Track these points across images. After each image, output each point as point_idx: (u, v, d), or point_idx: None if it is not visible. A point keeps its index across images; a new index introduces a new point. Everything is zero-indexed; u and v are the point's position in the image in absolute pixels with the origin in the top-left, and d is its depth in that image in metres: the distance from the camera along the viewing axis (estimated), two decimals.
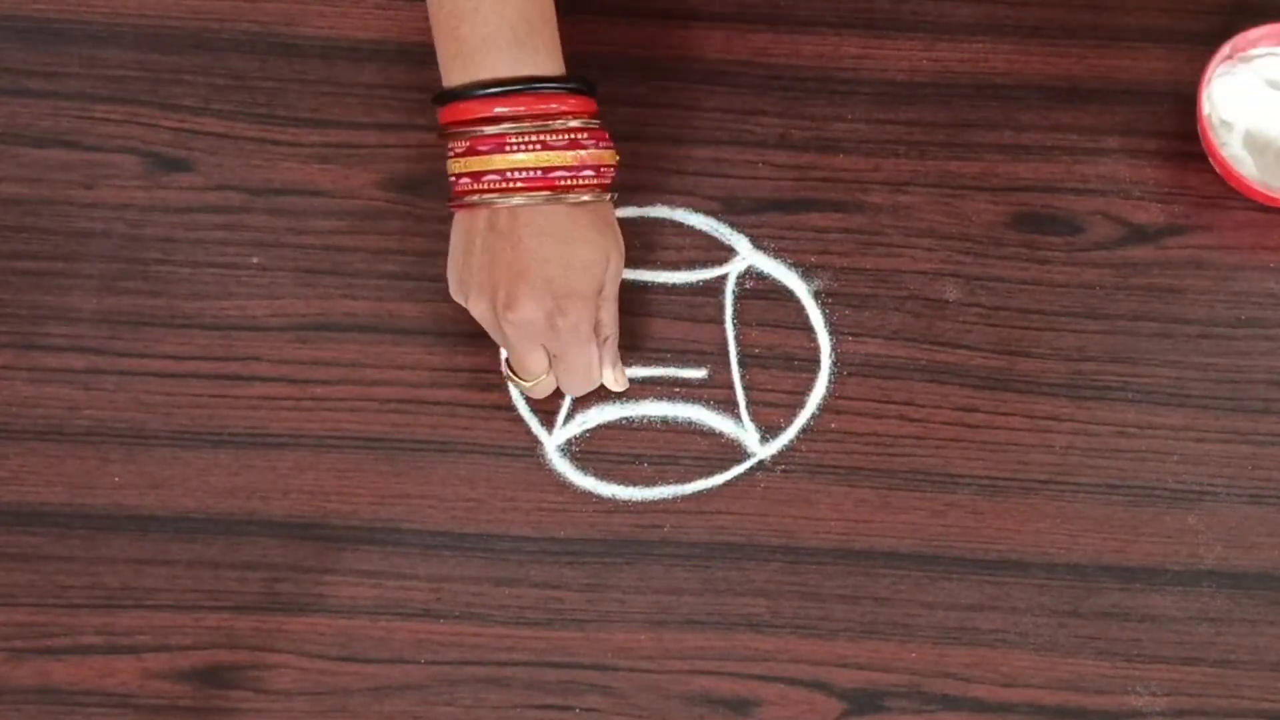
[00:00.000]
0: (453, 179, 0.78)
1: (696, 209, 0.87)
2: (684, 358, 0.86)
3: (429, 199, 0.87)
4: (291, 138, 0.88)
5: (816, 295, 0.86)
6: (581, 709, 0.82)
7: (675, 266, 0.87)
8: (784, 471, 0.84)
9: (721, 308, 0.86)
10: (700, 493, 0.84)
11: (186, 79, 0.89)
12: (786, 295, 0.87)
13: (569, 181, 0.77)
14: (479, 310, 0.79)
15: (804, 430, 0.85)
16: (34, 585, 0.83)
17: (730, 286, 0.87)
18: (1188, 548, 0.83)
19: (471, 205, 0.78)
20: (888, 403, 0.85)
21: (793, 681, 0.82)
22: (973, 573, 0.83)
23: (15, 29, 0.90)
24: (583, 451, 0.85)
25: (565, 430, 0.85)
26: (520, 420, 0.85)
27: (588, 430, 0.85)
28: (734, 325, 0.86)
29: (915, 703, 0.82)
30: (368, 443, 0.84)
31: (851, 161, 0.88)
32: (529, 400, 0.85)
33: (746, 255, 0.87)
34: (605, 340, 0.82)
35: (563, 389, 0.84)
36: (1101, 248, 0.87)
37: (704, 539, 0.83)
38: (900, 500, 0.84)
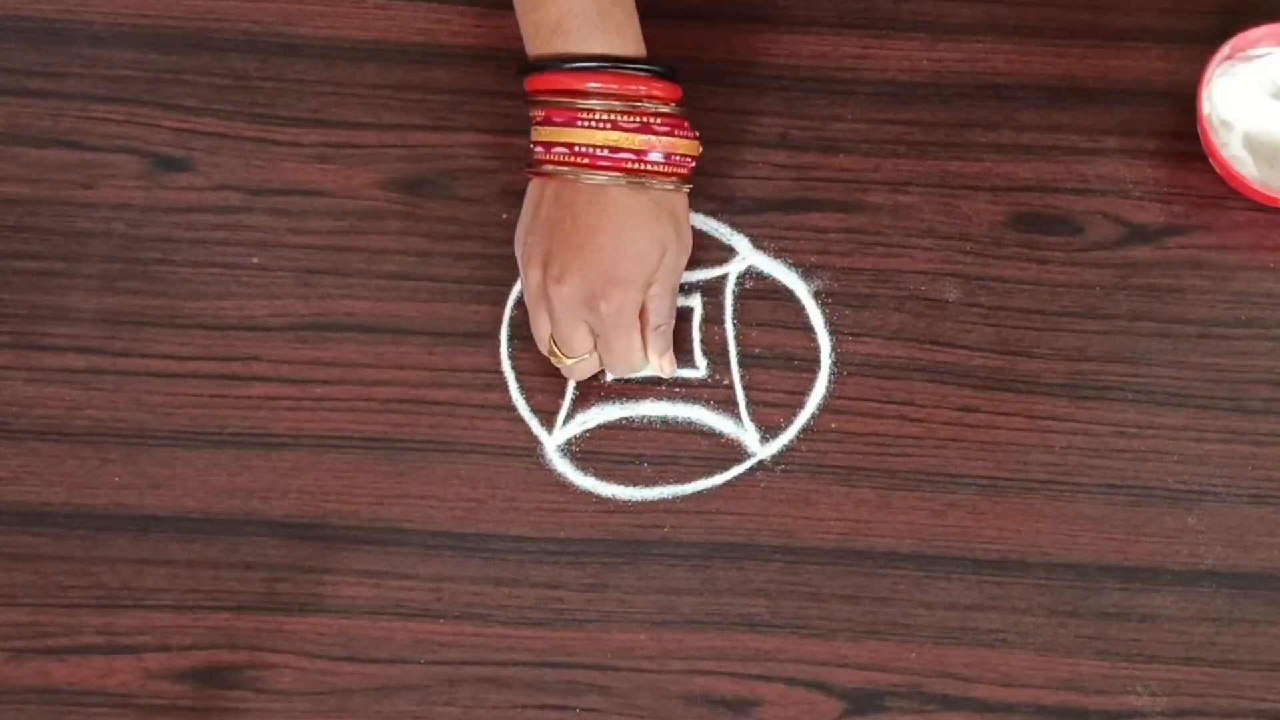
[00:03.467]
0: (531, 146, 0.79)
1: (696, 209, 0.87)
2: (684, 358, 0.86)
3: (429, 199, 0.87)
4: (291, 138, 0.88)
5: (816, 295, 0.86)
6: (581, 709, 0.82)
7: None
8: (784, 471, 0.84)
9: (721, 308, 0.86)
10: (700, 493, 0.84)
11: (186, 79, 0.89)
12: (786, 295, 0.87)
13: (635, 165, 0.77)
14: (532, 278, 0.80)
15: (804, 430, 0.85)
16: (34, 585, 0.83)
17: (730, 286, 0.87)
18: (1188, 548, 0.83)
19: (542, 174, 0.79)
20: (888, 403, 0.85)
21: (793, 681, 0.82)
22: (973, 573, 0.83)
23: (15, 29, 0.90)
24: (583, 451, 0.85)
25: (565, 430, 0.85)
26: (520, 420, 0.85)
27: (588, 430, 0.85)
28: (734, 325, 0.86)
29: (915, 703, 0.82)
30: (368, 443, 0.84)
31: (851, 161, 0.88)
32: (529, 399, 0.85)
33: (746, 255, 0.87)
34: (656, 329, 0.82)
35: (605, 369, 0.84)
36: (1101, 248, 0.87)
37: (704, 539, 0.83)
38: (900, 500, 0.84)
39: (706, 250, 0.87)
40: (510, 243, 0.83)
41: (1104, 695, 0.82)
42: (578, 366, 0.83)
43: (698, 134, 0.80)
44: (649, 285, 0.80)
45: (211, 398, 0.85)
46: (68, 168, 0.88)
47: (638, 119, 0.77)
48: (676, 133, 0.78)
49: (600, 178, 0.77)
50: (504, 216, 0.87)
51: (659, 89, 0.78)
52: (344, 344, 0.86)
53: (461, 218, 0.87)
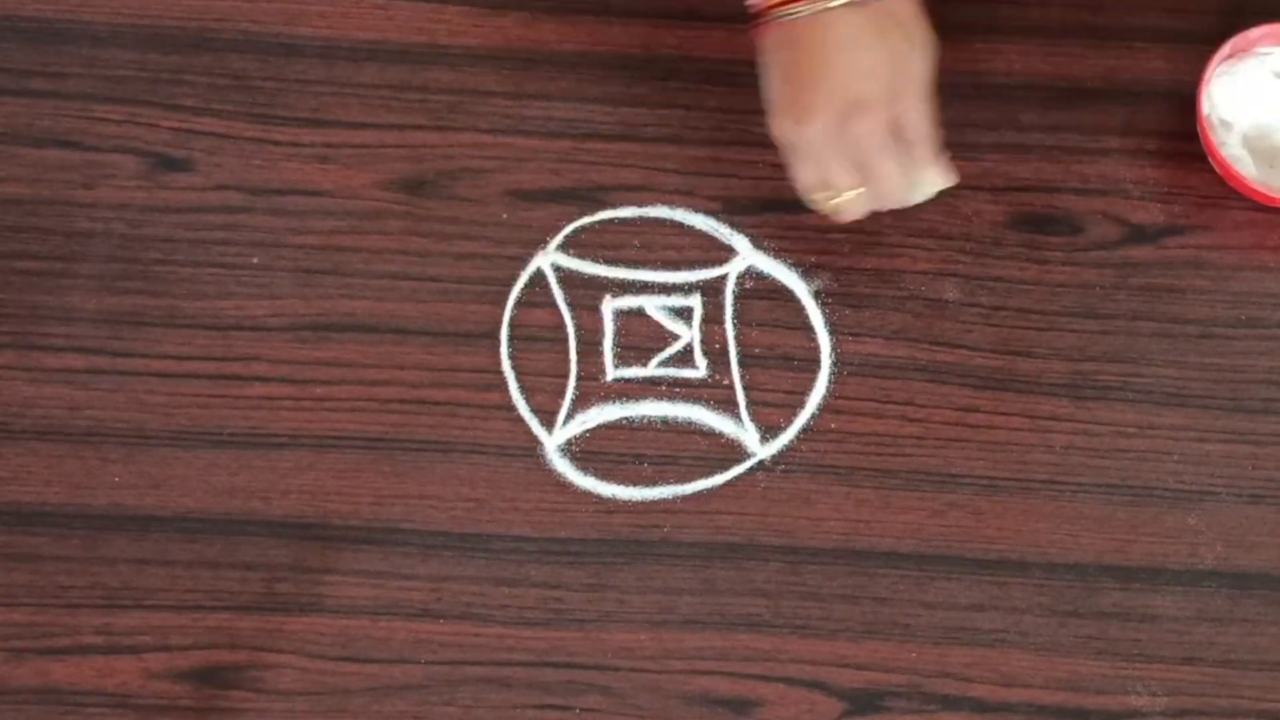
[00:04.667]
0: (749, 4, 0.79)
1: (696, 209, 0.87)
2: (684, 358, 0.86)
3: (429, 199, 0.87)
4: (291, 138, 0.88)
5: (816, 295, 0.86)
6: (581, 709, 0.82)
7: (675, 266, 0.87)
8: (784, 471, 0.84)
9: (721, 308, 0.86)
10: (700, 493, 0.84)
11: (186, 79, 0.89)
12: (786, 295, 0.87)
13: None
14: (781, 130, 0.79)
15: (804, 430, 0.85)
16: (34, 585, 0.83)
17: (730, 286, 0.87)
18: (1188, 548, 0.83)
19: (764, 24, 0.78)
20: (888, 403, 0.85)
21: (793, 681, 0.82)
22: (973, 573, 0.83)
23: (15, 29, 0.90)
24: (583, 451, 0.85)
25: (565, 430, 0.85)
26: (520, 420, 0.85)
27: (588, 430, 0.85)
28: (734, 325, 0.86)
29: (915, 703, 0.82)
30: (368, 443, 0.84)
31: None
32: (529, 399, 0.85)
33: (746, 255, 0.87)
34: (916, 142, 0.80)
35: (880, 202, 0.82)
36: (1101, 248, 0.87)
37: (704, 539, 0.83)
38: (900, 500, 0.84)
39: (706, 250, 0.87)
40: (510, 242, 0.84)
41: (1104, 695, 0.82)
42: (848, 205, 0.82)
43: None
44: (896, 101, 0.78)
45: (211, 398, 0.85)
46: (68, 168, 0.88)
47: None
48: None
49: (816, 7, 0.76)
50: (504, 216, 0.87)
51: None
52: (344, 344, 0.86)
53: (461, 218, 0.87)
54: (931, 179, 0.82)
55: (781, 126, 0.79)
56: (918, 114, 0.79)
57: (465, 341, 0.86)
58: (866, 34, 0.77)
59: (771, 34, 0.78)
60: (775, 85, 0.79)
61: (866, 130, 0.78)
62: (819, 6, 0.77)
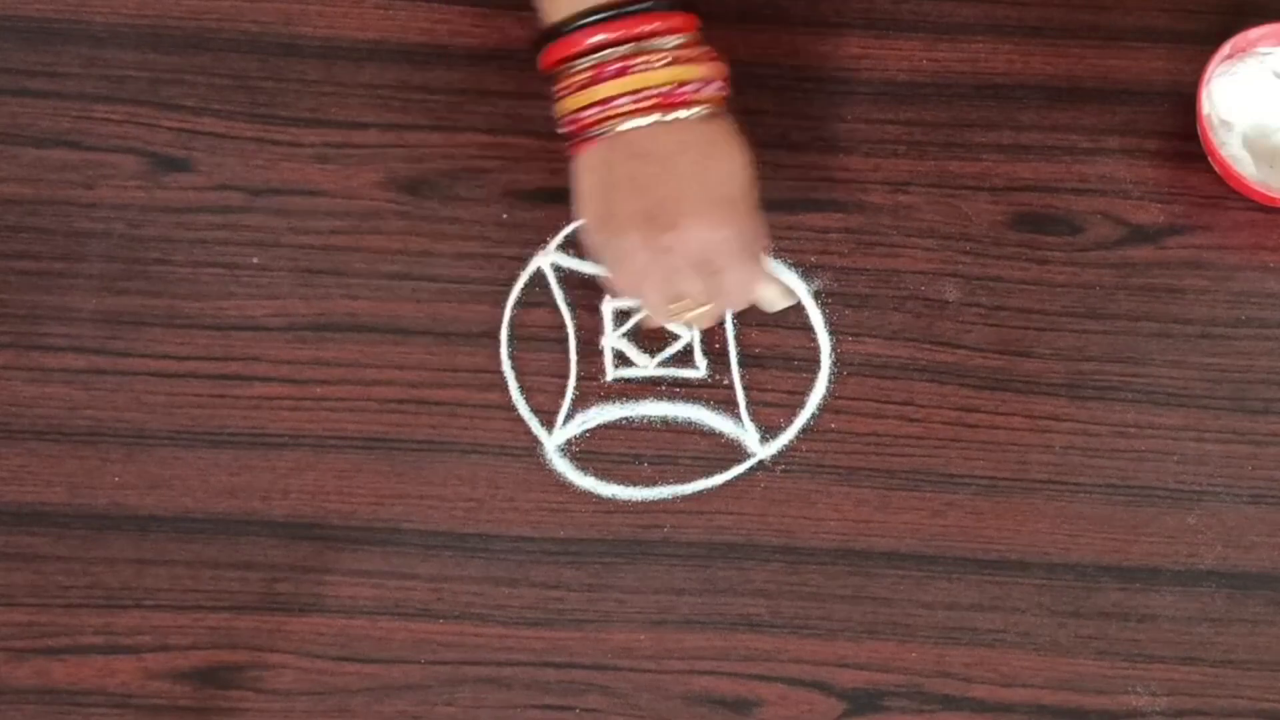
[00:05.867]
0: (567, 119, 0.77)
1: None
2: (684, 358, 0.86)
3: (429, 199, 0.87)
4: (291, 138, 0.88)
5: (816, 295, 0.86)
6: (581, 709, 0.82)
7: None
8: (784, 471, 0.84)
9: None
10: (700, 493, 0.84)
11: (186, 79, 0.89)
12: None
13: (680, 98, 0.75)
14: (631, 242, 0.76)
15: (804, 430, 0.85)
16: (34, 585, 0.83)
17: None
18: (1188, 548, 0.83)
19: (599, 137, 0.76)
20: (888, 403, 0.85)
21: (793, 681, 0.82)
22: (973, 573, 0.83)
23: (15, 29, 0.90)
24: (583, 451, 0.85)
25: (565, 430, 0.85)
26: (520, 420, 0.85)
27: (588, 430, 0.85)
28: (734, 325, 0.86)
29: (915, 703, 0.82)
30: (368, 443, 0.84)
31: (851, 161, 0.88)
32: (529, 399, 0.85)
33: None
34: (732, 266, 0.79)
35: (725, 309, 0.81)
36: (1101, 248, 0.87)
37: (704, 539, 0.83)
38: (900, 500, 0.84)
39: None
40: (510, 242, 0.84)
41: (1104, 695, 0.82)
42: (702, 319, 0.81)
43: (717, 55, 0.78)
44: (704, 219, 0.76)
45: (211, 398, 0.85)
46: (68, 168, 0.88)
47: (665, 56, 0.75)
48: (706, 59, 0.77)
49: (669, 116, 0.75)
50: (504, 216, 0.87)
51: (674, 22, 0.76)
52: (344, 344, 0.86)
53: (461, 218, 0.87)
54: (770, 298, 0.82)
55: (632, 241, 0.76)
56: (734, 236, 0.77)
57: (465, 341, 0.86)
58: (719, 135, 0.76)
59: (615, 145, 0.76)
60: (617, 200, 0.76)
61: (736, 233, 0.76)
62: (628, 124, 0.75)
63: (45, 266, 0.87)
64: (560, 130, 0.78)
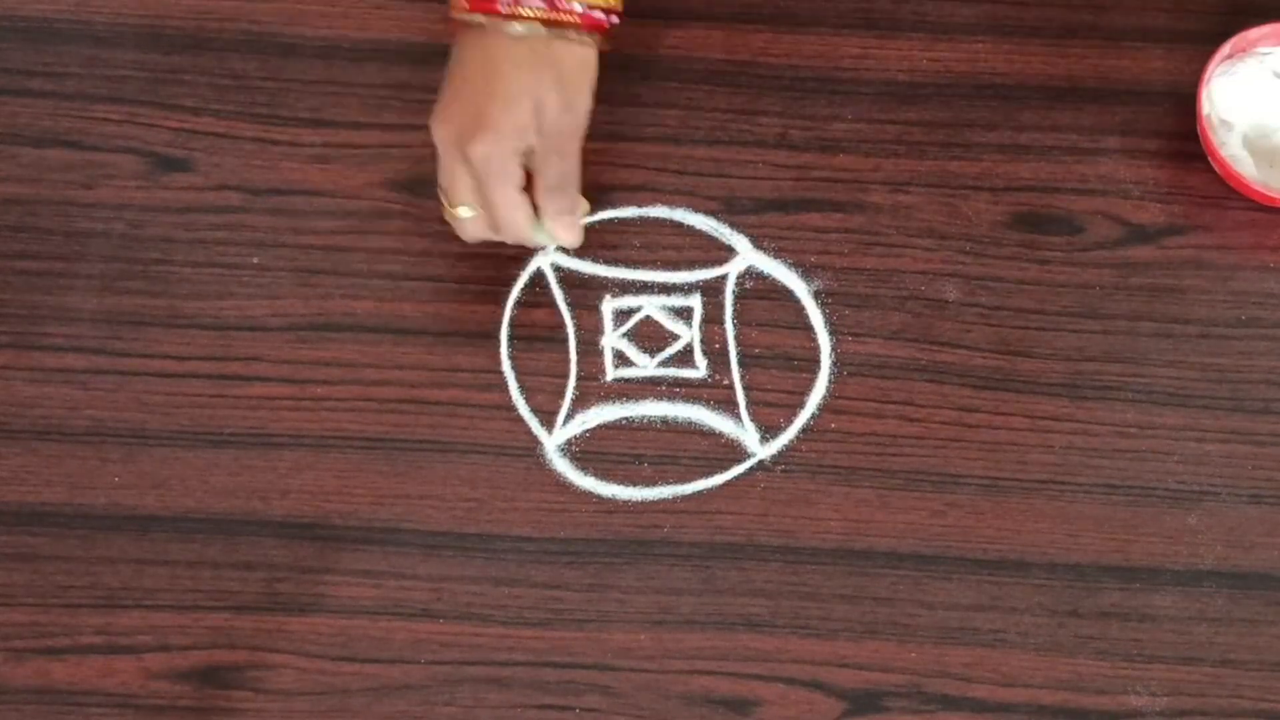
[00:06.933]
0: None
1: (696, 209, 0.87)
2: (684, 358, 0.86)
3: (429, 199, 0.87)
4: (291, 138, 0.88)
5: (816, 295, 0.86)
6: (581, 709, 0.82)
7: (675, 266, 0.87)
8: (784, 471, 0.84)
9: (721, 308, 0.86)
10: (700, 493, 0.84)
11: (186, 79, 0.89)
12: (786, 295, 0.87)
13: (509, 10, 0.77)
14: (431, 125, 0.80)
15: (804, 430, 0.85)
16: (34, 585, 0.83)
17: (730, 286, 0.87)
18: (1188, 548, 0.83)
19: (452, 21, 0.79)
20: (888, 403, 0.85)
21: (793, 681, 0.82)
22: (973, 573, 0.83)
23: (15, 29, 0.90)
24: (583, 451, 0.85)
25: (565, 430, 0.85)
26: (520, 420, 0.85)
27: (588, 430, 0.85)
28: (734, 325, 0.86)
29: (915, 703, 0.82)
30: (368, 443, 0.84)
31: (851, 161, 0.88)
32: (529, 399, 0.85)
33: (746, 255, 0.87)
34: (549, 189, 0.81)
35: (499, 232, 0.82)
36: (1101, 248, 0.87)
37: (704, 539, 0.83)
38: (900, 500, 0.84)
39: (706, 250, 0.87)
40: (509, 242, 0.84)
41: (1104, 695, 0.82)
42: (466, 224, 0.82)
43: None
44: (524, 138, 0.79)
45: (211, 398, 0.85)
46: (68, 168, 0.88)
47: None
48: None
49: (477, 19, 0.78)
50: None
51: None
52: (344, 344, 0.86)
53: None
54: (548, 230, 0.83)
55: (431, 122, 0.80)
56: (553, 163, 0.80)
57: (465, 341, 0.86)
58: (515, 66, 0.78)
59: (456, 31, 0.80)
60: (443, 85, 0.80)
61: (483, 153, 0.78)
62: (490, 22, 0.77)
63: (45, 266, 0.87)
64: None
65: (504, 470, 0.84)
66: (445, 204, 0.82)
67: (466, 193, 0.81)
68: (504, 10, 0.77)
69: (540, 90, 0.79)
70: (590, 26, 0.79)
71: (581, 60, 0.80)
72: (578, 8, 0.78)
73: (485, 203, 0.81)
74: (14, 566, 0.83)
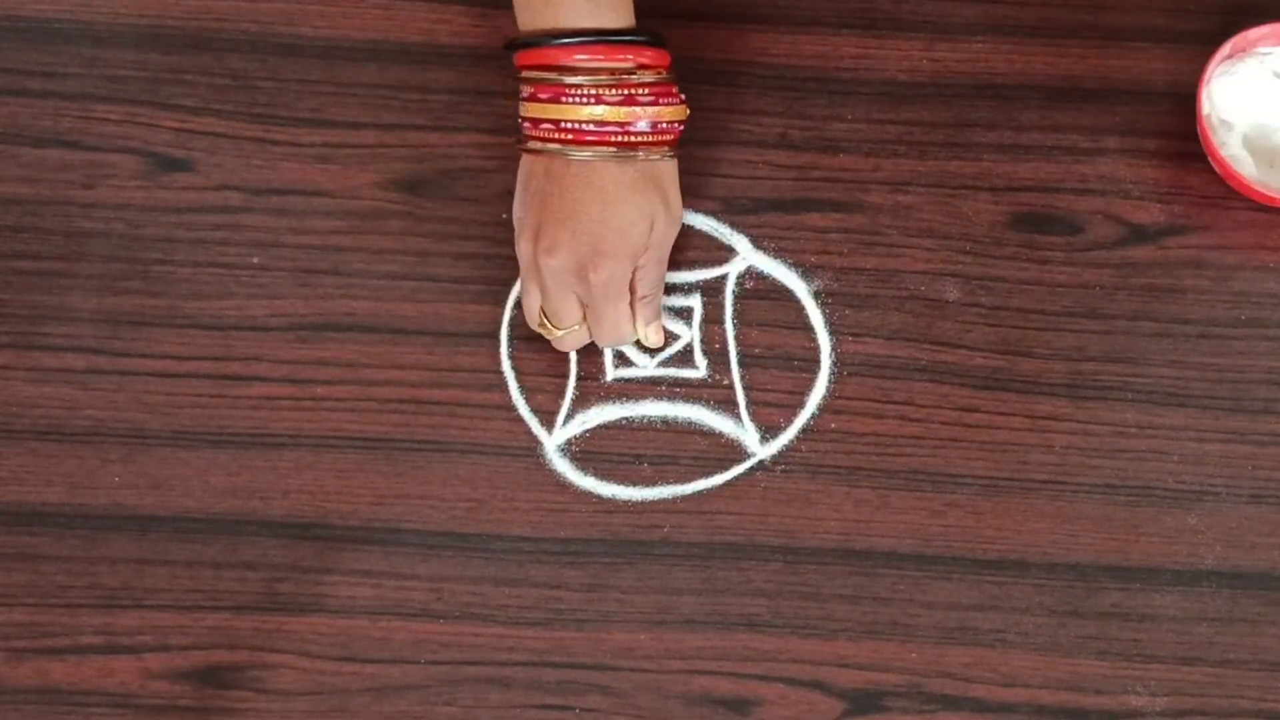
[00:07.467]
0: (521, 121, 0.80)
1: (696, 209, 0.87)
2: (684, 358, 0.86)
3: (429, 199, 0.87)
4: (291, 138, 0.88)
5: (816, 295, 0.86)
6: (581, 709, 0.82)
7: (675, 266, 0.87)
8: (784, 471, 0.84)
9: (721, 308, 0.86)
10: (700, 493, 0.84)
11: (186, 79, 0.89)
12: (786, 295, 0.87)
13: (620, 139, 0.78)
14: (523, 249, 0.81)
15: (804, 430, 0.85)
16: (34, 585, 0.83)
17: (730, 286, 0.87)
18: (1188, 548, 0.83)
19: (532, 151, 0.80)
20: (888, 403, 0.85)
21: (793, 681, 0.82)
22: (973, 573, 0.83)
23: (15, 29, 0.90)
24: (583, 451, 0.85)
25: (565, 430, 0.85)
26: (520, 420, 0.85)
27: (588, 430, 0.85)
28: (734, 325, 0.86)
29: (915, 703, 0.82)
30: (368, 443, 0.84)
31: (851, 161, 0.88)
32: (529, 399, 0.85)
33: (746, 255, 0.87)
34: (643, 299, 0.83)
35: (594, 340, 0.84)
36: (1101, 248, 0.87)
37: (704, 539, 0.83)
38: (900, 500, 0.84)
39: (706, 250, 0.87)
40: (510, 243, 0.83)
41: (1104, 695, 0.82)
42: (567, 338, 0.83)
43: (684, 98, 0.80)
44: (638, 256, 0.81)
45: (211, 398, 0.85)
46: (68, 168, 0.88)
47: (623, 91, 0.78)
48: (662, 101, 0.79)
49: (585, 153, 0.78)
50: (504, 216, 0.87)
51: (647, 57, 0.79)
52: (344, 344, 0.86)
53: (461, 218, 0.87)
54: (642, 335, 0.84)
55: (524, 247, 0.81)
56: (651, 273, 0.82)
57: (465, 341, 0.86)
58: (628, 190, 0.79)
59: (538, 160, 0.80)
60: (527, 206, 0.81)
61: (603, 279, 0.80)
62: (588, 154, 0.78)
63: (45, 266, 0.87)
64: (520, 126, 0.80)
65: (504, 470, 0.84)
66: (546, 325, 0.83)
67: (576, 313, 0.82)
68: (617, 139, 0.78)
69: (652, 210, 0.80)
70: (675, 140, 0.81)
71: (674, 171, 0.82)
72: (667, 125, 0.80)
73: (595, 319, 0.82)
74: (14, 566, 0.83)
